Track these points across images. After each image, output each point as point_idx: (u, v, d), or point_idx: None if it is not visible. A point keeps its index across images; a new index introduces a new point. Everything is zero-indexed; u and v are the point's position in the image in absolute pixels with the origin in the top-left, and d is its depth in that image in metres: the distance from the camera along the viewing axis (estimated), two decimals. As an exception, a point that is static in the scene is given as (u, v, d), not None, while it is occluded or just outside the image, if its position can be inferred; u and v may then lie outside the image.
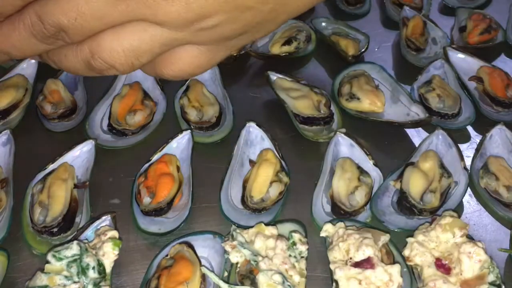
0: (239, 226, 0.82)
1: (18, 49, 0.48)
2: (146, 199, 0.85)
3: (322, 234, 0.81)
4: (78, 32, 0.46)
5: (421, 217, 0.85)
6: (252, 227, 0.80)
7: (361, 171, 0.89)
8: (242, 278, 0.76)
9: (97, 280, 0.73)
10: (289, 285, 0.72)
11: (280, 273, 0.72)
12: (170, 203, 0.85)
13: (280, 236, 0.78)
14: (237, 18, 0.47)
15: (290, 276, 0.74)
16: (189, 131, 0.94)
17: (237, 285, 0.74)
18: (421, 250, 0.76)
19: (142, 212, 0.85)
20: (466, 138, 1.00)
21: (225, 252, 0.78)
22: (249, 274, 0.75)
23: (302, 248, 0.77)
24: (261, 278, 0.72)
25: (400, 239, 0.80)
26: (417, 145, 0.95)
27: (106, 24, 0.46)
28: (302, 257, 0.77)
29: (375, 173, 0.90)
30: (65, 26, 0.45)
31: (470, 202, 0.90)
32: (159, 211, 0.84)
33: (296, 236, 0.78)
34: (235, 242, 0.77)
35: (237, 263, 0.77)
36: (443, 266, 0.75)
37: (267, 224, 0.80)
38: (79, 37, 0.46)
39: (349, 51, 1.12)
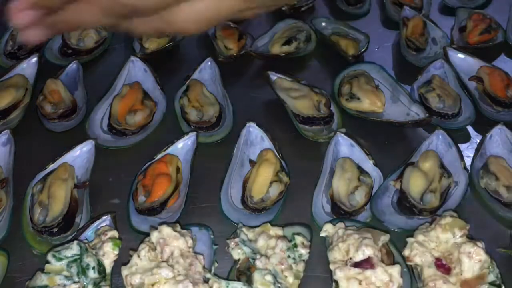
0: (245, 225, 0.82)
1: (87, 23, 0.50)
2: (141, 198, 0.85)
3: (322, 234, 0.81)
4: (153, 11, 0.47)
5: (421, 217, 0.85)
6: (258, 226, 0.80)
7: (361, 171, 0.89)
8: (239, 274, 0.77)
9: (97, 280, 0.73)
10: (279, 287, 0.72)
11: (273, 274, 0.73)
12: (163, 204, 0.85)
13: (282, 237, 0.78)
14: None
15: (285, 276, 0.74)
16: (195, 133, 0.93)
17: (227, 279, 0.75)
18: (421, 250, 0.76)
19: (137, 211, 0.85)
20: (466, 138, 1.00)
21: (227, 247, 0.78)
22: (246, 271, 0.76)
23: (303, 251, 0.77)
24: (256, 276, 0.73)
25: (400, 239, 0.80)
26: (417, 145, 0.95)
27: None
28: (302, 260, 0.77)
29: (375, 173, 0.90)
30: (141, 7, 0.46)
31: (470, 202, 0.90)
32: (151, 211, 0.84)
33: (299, 239, 0.78)
34: (237, 239, 0.78)
35: (238, 260, 0.78)
36: (443, 266, 0.75)
37: (273, 225, 0.80)
38: (153, 14, 0.48)
39: (349, 51, 1.12)
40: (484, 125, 0.99)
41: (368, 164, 0.91)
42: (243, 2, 0.49)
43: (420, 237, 0.77)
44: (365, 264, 0.73)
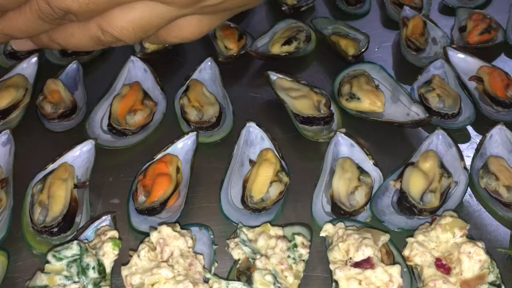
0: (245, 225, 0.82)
1: (23, 31, 0.49)
2: (141, 198, 0.86)
3: (322, 234, 0.81)
4: (88, 14, 0.47)
5: (421, 217, 0.85)
6: (258, 226, 0.80)
7: (361, 171, 0.89)
8: (239, 274, 0.77)
9: (97, 280, 0.73)
10: (279, 287, 0.72)
11: (273, 274, 0.73)
12: (163, 204, 0.85)
13: (282, 237, 0.78)
14: None
15: (285, 276, 0.74)
16: (195, 132, 0.93)
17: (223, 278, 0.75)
18: (421, 250, 0.76)
19: (136, 210, 0.85)
20: (466, 138, 1.00)
21: (227, 247, 0.79)
22: (246, 271, 0.76)
23: (303, 251, 0.77)
24: (256, 276, 0.73)
25: (400, 239, 0.80)
26: (417, 145, 0.95)
27: (116, 4, 0.47)
28: (302, 260, 0.77)
29: (375, 173, 0.90)
30: (75, 10, 0.46)
31: (470, 202, 0.90)
32: (151, 211, 0.84)
33: (299, 239, 0.78)
34: (237, 239, 0.78)
35: (238, 260, 0.78)
36: (443, 266, 0.75)
37: (273, 225, 0.80)
38: (88, 18, 0.47)
39: (349, 51, 1.12)
40: (484, 125, 0.99)
41: (368, 164, 0.91)
42: (178, 10, 0.48)
43: (420, 237, 0.77)
44: (365, 264, 0.73)
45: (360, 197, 0.86)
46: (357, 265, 0.73)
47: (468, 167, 0.92)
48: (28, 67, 1.07)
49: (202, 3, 0.48)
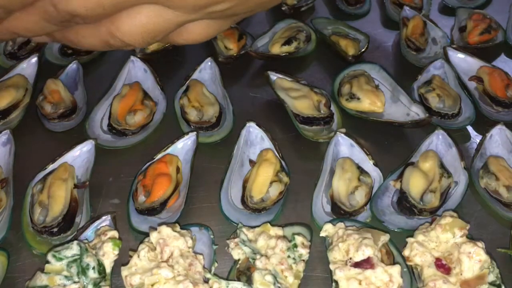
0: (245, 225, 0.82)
1: (30, 31, 0.50)
2: (141, 198, 0.86)
3: (322, 234, 0.81)
4: (95, 18, 0.47)
5: (421, 217, 0.85)
6: (258, 226, 0.80)
7: (361, 171, 0.89)
8: (239, 274, 0.77)
9: (97, 280, 0.73)
10: (279, 287, 0.72)
11: (273, 274, 0.73)
12: (163, 204, 0.85)
13: (282, 237, 0.78)
14: (247, 0, 0.49)
15: (285, 276, 0.74)
16: (195, 132, 0.93)
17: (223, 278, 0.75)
18: (421, 250, 0.76)
19: (136, 211, 0.85)
20: (466, 138, 1.00)
21: (227, 247, 0.79)
22: (246, 271, 0.76)
23: (303, 251, 0.77)
24: (256, 276, 0.73)
25: (400, 239, 0.80)
26: (417, 145, 0.95)
27: (123, 8, 0.47)
28: (302, 260, 0.77)
29: (375, 173, 0.90)
30: (82, 14, 0.46)
31: (470, 202, 0.90)
32: (151, 211, 0.84)
33: (299, 239, 0.78)
34: (237, 239, 0.78)
35: (238, 260, 0.78)
36: (443, 266, 0.75)
37: (273, 225, 0.80)
38: (96, 21, 0.48)
39: (349, 51, 1.12)
40: (484, 125, 0.99)
41: (368, 164, 0.91)
42: (185, 15, 0.49)
43: (420, 237, 0.77)
44: (365, 264, 0.73)
45: (360, 197, 0.86)
46: (357, 265, 0.73)
47: (468, 167, 0.92)
48: (28, 67, 1.07)
49: (209, 8, 0.49)
